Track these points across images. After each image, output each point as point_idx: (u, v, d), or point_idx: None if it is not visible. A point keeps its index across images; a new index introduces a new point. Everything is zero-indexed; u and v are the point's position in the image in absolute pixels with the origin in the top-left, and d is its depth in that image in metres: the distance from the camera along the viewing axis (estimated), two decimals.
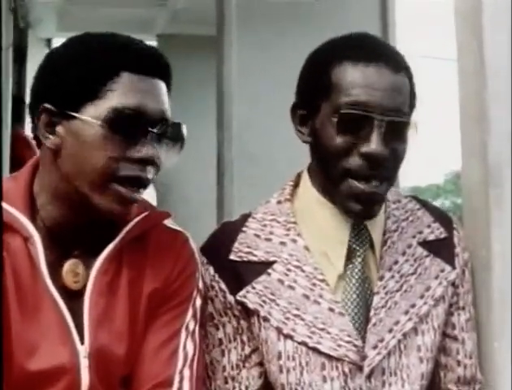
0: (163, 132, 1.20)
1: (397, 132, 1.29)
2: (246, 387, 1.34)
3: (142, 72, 1.19)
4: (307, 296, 1.32)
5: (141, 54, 1.22)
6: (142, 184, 1.19)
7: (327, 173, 1.32)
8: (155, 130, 1.18)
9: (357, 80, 1.28)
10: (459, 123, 1.52)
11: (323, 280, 1.32)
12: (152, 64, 1.22)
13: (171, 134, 1.22)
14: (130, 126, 1.16)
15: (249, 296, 1.32)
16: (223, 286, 1.34)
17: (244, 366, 1.34)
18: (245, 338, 1.34)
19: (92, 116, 1.16)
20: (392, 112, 1.28)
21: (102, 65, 1.18)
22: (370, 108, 1.27)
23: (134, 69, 1.18)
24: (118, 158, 1.16)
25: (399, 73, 1.31)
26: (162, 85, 1.22)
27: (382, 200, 1.34)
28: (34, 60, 4.67)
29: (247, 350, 1.34)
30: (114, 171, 1.16)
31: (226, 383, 1.34)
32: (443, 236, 1.42)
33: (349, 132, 1.28)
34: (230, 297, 1.33)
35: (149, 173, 1.19)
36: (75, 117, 1.17)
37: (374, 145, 1.26)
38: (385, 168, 1.29)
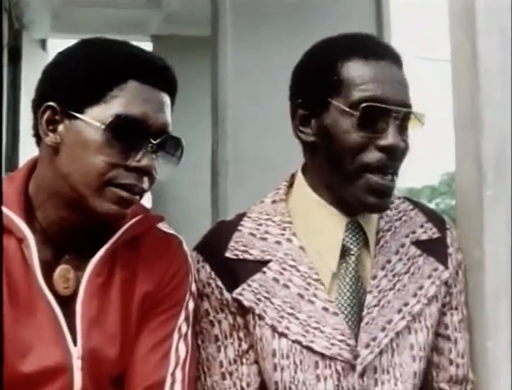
0: (163, 145, 1.20)
1: (405, 125, 1.32)
2: (248, 384, 1.34)
3: (150, 83, 1.20)
4: (302, 296, 1.32)
5: (152, 65, 1.23)
6: (137, 192, 1.20)
7: (340, 170, 1.31)
8: (156, 141, 1.18)
9: (369, 75, 1.30)
10: (453, 124, 1.53)
11: (317, 280, 1.33)
12: (161, 77, 1.22)
13: (170, 147, 1.23)
14: (131, 134, 1.17)
15: (245, 293, 1.32)
16: (220, 283, 1.34)
17: (242, 363, 1.34)
18: (241, 334, 1.34)
19: (95, 119, 1.16)
20: (404, 105, 1.30)
21: (111, 70, 1.19)
22: (386, 101, 1.28)
23: (142, 79, 1.19)
24: (116, 165, 1.17)
25: (402, 69, 1.34)
26: (168, 99, 1.23)
27: (393, 192, 1.36)
28: (29, 61, 4.66)
29: (244, 346, 1.34)
30: (110, 177, 1.17)
31: (224, 378, 1.34)
32: (436, 236, 1.42)
33: (368, 127, 1.29)
34: (227, 294, 1.33)
35: (145, 183, 1.20)
36: (78, 118, 1.18)
37: (391, 137, 1.27)
38: (399, 160, 1.31)
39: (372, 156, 1.29)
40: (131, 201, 1.20)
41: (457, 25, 1.51)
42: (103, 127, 1.16)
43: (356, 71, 1.30)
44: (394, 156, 1.29)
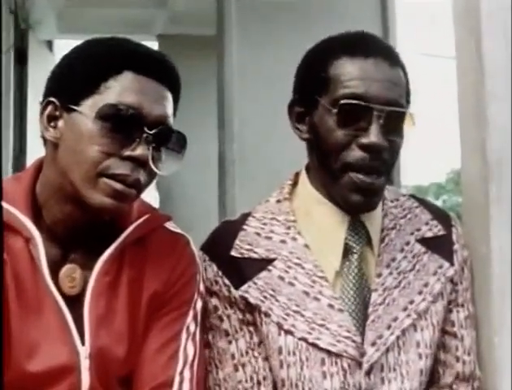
0: (161, 137, 1.19)
1: (394, 125, 1.30)
2: (264, 378, 1.33)
3: (146, 74, 1.19)
4: (307, 293, 1.32)
5: (148, 56, 1.22)
6: (131, 183, 1.18)
7: (327, 167, 1.32)
8: (152, 132, 1.17)
9: (355, 73, 1.29)
10: (458, 120, 1.53)
11: (322, 277, 1.33)
12: (158, 69, 1.21)
13: (172, 143, 1.22)
14: (124, 123, 1.16)
15: (251, 291, 1.33)
16: (227, 281, 1.34)
17: (255, 356, 1.33)
18: (251, 329, 1.34)
19: (89, 110, 1.17)
20: (390, 104, 1.28)
21: (106, 61, 1.19)
22: (368, 99, 1.27)
23: (138, 70, 1.19)
24: (109, 154, 1.16)
25: (396, 67, 1.32)
26: (166, 92, 1.22)
27: (381, 192, 1.35)
28: (35, 62, 4.67)
29: (255, 339, 1.34)
30: (104, 167, 1.16)
31: (236, 370, 1.33)
32: (441, 233, 1.42)
33: (349, 125, 1.28)
34: (234, 292, 1.33)
35: (141, 175, 1.18)
36: (74, 110, 1.18)
37: (373, 136, 1.26)
38: (383, 160, 1.30)
39: (355, 154, 1.28)
40: (125, 194, 1.18)
41: (461, 22, 1.51)
42: (93, 115, 1.16)
43: (342, 69, 1.30)
44: (377, 155, 1.28)
